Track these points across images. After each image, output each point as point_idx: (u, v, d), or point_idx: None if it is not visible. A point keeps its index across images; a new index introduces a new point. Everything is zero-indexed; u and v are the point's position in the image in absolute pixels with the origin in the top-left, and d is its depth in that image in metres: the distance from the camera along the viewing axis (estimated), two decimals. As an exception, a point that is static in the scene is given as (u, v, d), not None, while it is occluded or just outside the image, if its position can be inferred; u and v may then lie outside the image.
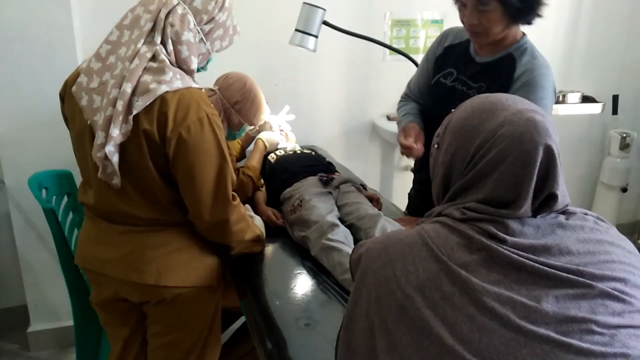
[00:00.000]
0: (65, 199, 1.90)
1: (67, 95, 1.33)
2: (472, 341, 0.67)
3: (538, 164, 0.75)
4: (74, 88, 1.28)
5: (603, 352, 0.65)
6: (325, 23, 1.96)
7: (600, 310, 0.69)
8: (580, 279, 0.71)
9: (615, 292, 0.71)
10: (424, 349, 0.69)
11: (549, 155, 0.76)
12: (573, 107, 2.89)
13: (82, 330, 1.79)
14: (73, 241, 1.81)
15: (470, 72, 1.57)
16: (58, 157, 2.04)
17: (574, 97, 2.94)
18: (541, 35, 2.98)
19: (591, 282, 0.71)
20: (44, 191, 1.76)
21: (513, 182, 0.76)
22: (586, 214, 0.83)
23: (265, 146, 1.90)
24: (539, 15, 1.44)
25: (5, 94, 2.03)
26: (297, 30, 1.96)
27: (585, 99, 2.98)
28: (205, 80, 1.85)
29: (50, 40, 2.02)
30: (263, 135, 1.92)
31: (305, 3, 1.94)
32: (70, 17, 2.03)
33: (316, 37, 1.96)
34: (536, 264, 0.72)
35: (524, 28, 1.52)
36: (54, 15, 2.00)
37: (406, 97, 1.86)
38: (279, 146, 2.03)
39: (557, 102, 2.96)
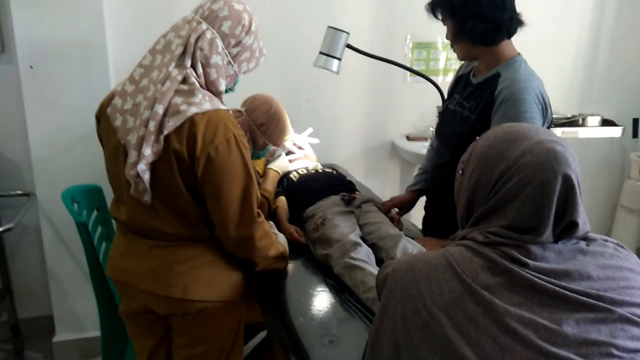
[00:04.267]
0: (95, 212, 1.96)
1: (102, 117, 1.40)
2: (495, 360, 0.70)
3: (557, 192, 0.79)
4: (109, 109, 1.35)
5: (622, 375, 0.68)
6: (348, 46, 2.02)
7: (620, 334, 0.72)
8: (600, 303, 0.74)
9: (635, 317, 0.74)
10: (448, 367, 0.73)
11: (569, 185, 0.79)
12: (593, 131, 2.90)
13: (108, 340, 1.84)
14: (101, 254, 1.87)
15: (466, 93, 1.64)
16: (88, 173, 2.11)
17: (593, 121, 2.95)
18: (561, 58, 3.02)
19: (611, 307, 0.74)
20: (75, 205, 1.83)
21: (534, 209, 0.80)
22: (606, 241, 0.86)
23: (278, 173, 1.97)
24: (499, 35, 1.50)
25: (39, 111, 2.11)
26: (321, 52, 2.02)
27: (605, 122, 2.99)
28: (232, 101, 1.93)
29: (84, 59, 2.10)
30: (273, 166, 2.00)
31: (329, 27, 2.00)
32: (105, 37, 2.12)
33: (339, 59, 2.02)
34: (557, 288, 0.75)
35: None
36: (89, 36, 2.09)
37: (430, 148, 1.99)
38: (302, 165, 2.08)
39: (577, 125, 2.97)
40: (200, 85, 1.29)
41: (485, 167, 0.87)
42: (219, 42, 1.31)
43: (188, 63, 1.28)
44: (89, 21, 2.07)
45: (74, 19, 2.05)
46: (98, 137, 1.48)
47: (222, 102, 1.33)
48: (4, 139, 2.29)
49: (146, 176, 1.25)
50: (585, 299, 0.74)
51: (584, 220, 0.82)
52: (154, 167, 1.27)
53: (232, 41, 1.34)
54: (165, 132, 1.23)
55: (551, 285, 0.75)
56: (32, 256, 2.46)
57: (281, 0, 2.51)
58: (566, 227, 0.81)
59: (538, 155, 0.81)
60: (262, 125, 1.84)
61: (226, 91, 1.41)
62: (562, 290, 0.75)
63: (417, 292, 0.80)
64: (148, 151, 1.23)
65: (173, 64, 1.27)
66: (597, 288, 0.76)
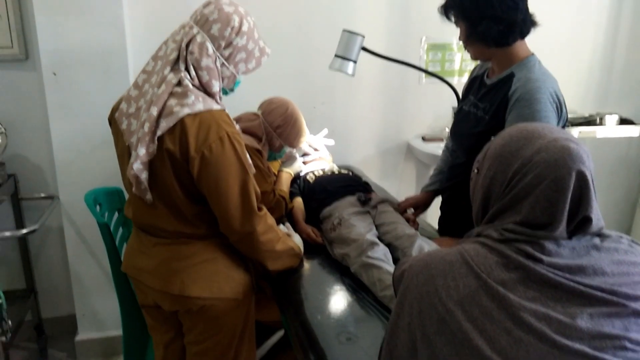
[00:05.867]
0: (116, 214, 2.01)
1: (112, 121, 1.45)
2: (510, 354, 0.72)
3: (571, 189, 0.80)
4: (116, 114, 1.41)
5: (636, 367, 0.69)
6: (363, 49, 2.04)
7: (634, 328, 0.73)
8: (614, 298, 0.75)
9: (648, 312, 0.75)
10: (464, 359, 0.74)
11: (582, 181, 0.81)
12: (610, 130, 2.87)
13: (129, 338, 1.88)
14: (122, 254, 1.91)
15: (480, 94, 1.65)
16: (109, 176, 2.15)
17: (611, 120, 2.92)
18: (578, 57, 3.00)
19: (625, 302, 0.75)
20: (97, 207, 1.87)
21: (548, 205, 0.81)
22: (621, 237, 0.87)
23: (290, 174, 2.01)
24: (512, 36, 1.50)
25: (62, 116, 2.17)
26: (336, 55, 2.04)
27: (623, 122, 2.96)
28: (249, 105, 1.96)
29: (105, 65, 2.15)
30: (285, 167, 2.03)
31: (345, 30, 2.02)
32: (125, 43, 2.17)
33: (355, 62, 2.04)
34: (572, 283, 0.76)
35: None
36: (110, 43, 2.14)
37: (445, 148, 1.99)
38: (318, 166, 2.11)
39: (595, 124, 2.95)
40: (196, 87, 1.33)
41: (501, 165, 0.88)
42: (209, 45, 1.33)
43: (182, 67, 1.32)
44: (109, 28, 2.12)
45: (96, 26, 2.10)
46: (113, 140, 1.53)
47: (217, 103, 1.36)
48: (29, 144, 2.35)
49: (143, 175, 1.30)
50: (599, 293, 0.76)
51: (598, 216, 0.83)
52: (152, 166, 1.31)
53: (222, 43, 1.36)
54: (159, 132, 1.27)
55: (565, 280, 0.77)
56: (55, 257, 2.52)
57: (297, 4, 2.54)
58: (580, 223, 0.82)
59: (552, 152, 0.82)
60: (279, 128, 1.87)
61: (225, 92, 1.45)
62: (576, 285, 0.76)
63: (433, 287, 0.82)
64: (143, 151, 1.28)
65: (168, 68, 1.32)
66: (611, 283, 0.77)
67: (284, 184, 1.95)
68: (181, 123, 1.28)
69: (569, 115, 2.99)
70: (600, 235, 0.85)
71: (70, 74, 2.13)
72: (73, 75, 2.14)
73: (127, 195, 1.53)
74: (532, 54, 1.56)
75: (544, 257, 0.79)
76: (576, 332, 0.72)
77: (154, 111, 1.27)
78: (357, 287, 1.48)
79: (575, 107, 3.05)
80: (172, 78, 1.30)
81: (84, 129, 2.20)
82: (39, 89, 2.21)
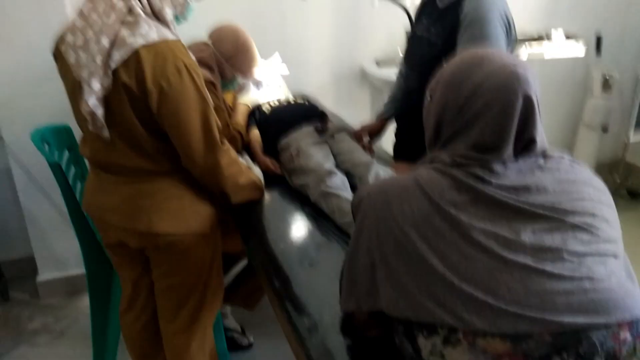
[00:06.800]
0: (67, 153, 1.95)
1: (58, 54, 1.36)
2: (460, 269, 0.78)
3: (518, 112, 0.84)
4: (62, 47, 1.31)
5: (572, 276, 0.77)
6: (314, -30, 1.97)
7: (571, 241, 0.80)
8: (555, 214, 0.82)
9: (585, 226, 0.82)
10: (419, 277, 0.81)
11: (529, 105, 0.85)
12: (558, 51, 2.93)
13: (93, 275, 1.89)
14: (78, 193, 1.88)
15: (432, 18, 1.65)
16: (55, 112, 2.06)
17: (557, 35, 2.97)
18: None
19: (564, 218, 0.82)
20: (46, 146, 1.81)
21: (497, 129, 0.85)
22: (562, 157, 0.92)
23: (248, 106, 1.98)
24: None
25: (-4, 50, 2.04)
26: (286, -22, 1.97)
27: (569, 37, 3.01)
28: (199, 33, 1.88)
29: (37, -8, 2.01)
30: (242, 99, 1.99)
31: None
32: (57, -32, 2.01)
33: (306, -15, 1.97)
34: (517, 203, 0.83)
35: None
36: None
37: (398, 74, 1.96)
38: (273, 96, 2.08)
39: (540, 39, 2.98)
40: (147, 15, 1.26)
41: (452, 92, 0.91)
42: None
43: None
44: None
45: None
46: (60, 75, 1.45)
47: (172, 32, 1.30)
48: (-38, 81, 2.21)
49: (99, 111, 1.25)
50: (541, 210, 0.82)
51: (542, 138, 0.89)
52: (107, 102, 1.26)
53: None
54: (113, 65, 1.21)
55: (512, 201, 0.83)
56: (5, 199, 2.45)
57: None
58: (526, 144, 0.87)
59: (501, 78, 0.85)
60: (230, 57, 1.81)
61: (178, 20, 1.38)
62: (521, 204, 0.82)
63: (389, 212, 0.86)
64: (97, 86, 1.22)
65: None
66: (552, 201, 0.83)
67: (241, 116, 1.93)
68: (136, 55, 1.22)
69: (519, 37, 3.02)
70: (544, 155, 0.90)
71: (1, 4, 1.97)
72: (3, 5, 1.98)
73: (76, 132, 1.47)
74: None
75: (492, 180, 0.84)
76: (520, 247, 0.79)
77: (105, 42, 1.20)
78: (317, 215, 1.53)
79: (524, 24, 3.08)
80: (122, 6, 1.23)
81: (22, 63, 2.08)
82: (-33, 22, 2.04)
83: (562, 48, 2.95)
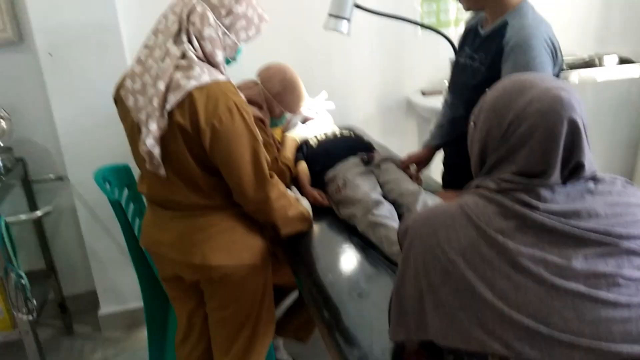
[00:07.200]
0: (126, 190, 2.05)
1: (118, 98, 1.46)
2: (510, 297, 0.76)
3: (564, 137, 0.83)
4: (122, 91, 1.41)
5: (629, 303, 0.74)
6: (356, 6, 2.02)
7: (626, 265, 0.77)
8: (608, 238, 0.79)
9: (640, 249, 0.79)
10: (467, 306, 0.79)
11: (574, 129, 0.83)
12: (611, 72, 2.85)
13: (150, 308, 1.96)
14: (136, 228, 1.96)
15: (475, 45, 1.65)
16: (115, 153, 2.18)
17: (610, 60, 2.89)
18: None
19: (617, 241, 0.79)
20: (107, 184, 1.91)
21: (542, 154, 0.84)
22: (615, 179, 0.90)
23: (296, 140, 2.03)
24: None
25: (62, 96, 2.19)
26: (330, 15, 2.03)
27: (623, 62, 2.93)
28: (247, 72, 1.96)
29: (100, 42, 2.16)
30: (291, 133, 2.05)
31: (336, -11, 2.00)
32: (117, 18, 2.16)
33: (348, 20, 2.03)
34: (566, 226, 0.80)
35: None
36: (102, 17, 2.13)
37: (444, 102, 1.98)
38: (320, 130, 2.13)
39: (594, 66, 2.92)
40: (199, 59, 1.33)
41: (496, 118, 0.91)
42: (209, 14, 1.33)
43: (184, 38, 1.32)
44: (100, 4, 2.12)
45: (86, 2, 2.09)
46: (120, 118, 1.55)
47: (222, 73, 1.37)
48: (34, 126, 2.38)
49: (156, 150, 1.32)
50: (593, 235, 0.79)
51: (590, 162, 0.86)
52: (163, 141, 1.33)
53: (223, 11, 1.36)
54: (168, 107, 1.29)
55: (560, 224, 0.80)
56: (70, 236, 2.59)
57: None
58: (573, 169, 0.85)
59: (544, 102, 0.84)
60: (278, 94, 1.88)
61: (228, 62, 1.45)
62: (570, 228, 0.80)
63: (436, 239, 0.85)
64: (154, 126, 1.29)
65: (171, 41, 1.32)
66: (604, 224, 0.81)
67: (289, 151, 1.97)
68: (189, 96, 1.29)
69: (569, 59, 2.97)
70: (594, 179, 0.88)
71: (66, 54, 2.14)
72: (69, 55, 2.14)
73: (135, 172, 1.56)
74: (525, 0, 1.54)
75: (539, 204, 0.82)
76: (572, 273, 0.76)
77: (161, 85, 1.28)
78: (366, 245, 1.53)
79: (574, 48, 3.02)
80: (175, 51, 1.31)
81: (86, 108, 2.22)
82: (37, 71, 2.21)
83: (616, 71, 2.86)
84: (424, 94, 2.84)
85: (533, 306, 0.75)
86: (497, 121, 0.90)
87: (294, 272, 1.62)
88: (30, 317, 2.01)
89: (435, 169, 2.12)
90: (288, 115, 1.98)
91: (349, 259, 1.50)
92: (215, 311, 1.57)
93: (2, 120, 2.26)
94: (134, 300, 2.49)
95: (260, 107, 1.85)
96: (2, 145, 2.26)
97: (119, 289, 2.51)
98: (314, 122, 2.24)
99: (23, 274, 1.99)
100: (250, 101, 1.83)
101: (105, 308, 2.54)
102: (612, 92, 3.13)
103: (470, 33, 1.72)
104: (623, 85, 3.14)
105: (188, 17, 1.32)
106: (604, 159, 2.99)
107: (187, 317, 1.65)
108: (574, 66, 2.85)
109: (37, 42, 2.11)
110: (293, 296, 2.06)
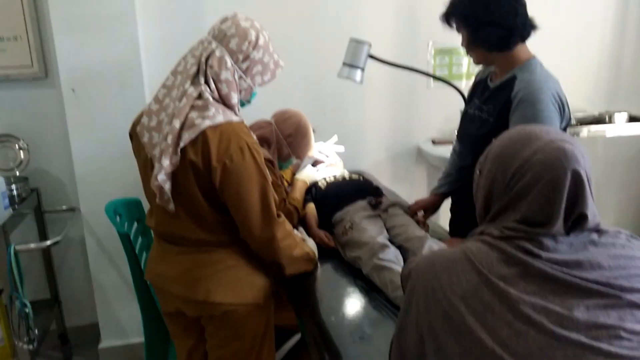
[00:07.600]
0: (135, 224, 2.08)
1: (134, 134, 1.51)
2: (511, 345, 0.76)
3: (567, 188, 0.84)
4: (138, 128, 1.47)
5: (631, 355, 0.73)
6: (371, 56, 2.09)
7: (628, 318, 0.77)
8: (610, 290, 0.79)
9: (643, 303, 0.78)
10: (467, 351, 0.79)
11: (578, 180, 0.85)
12: (620, 128, 2.88)
13: (151, 344, 1.94)
14: (143, 263, 1.98)
15: (484, 97, 1.69)
16: (127, 187, 2.23)
17: (620, 118, 2.93)
18: (585, 55, 3.02)
19: (620, 294, 0.79)
20: (117, 217, 1.94)
21: (545, 204, 0.85)
22: (619, 232, 0.90)
23: (305, 183, 2.06)
24: (512, 40, 1.55)
25: (81, 131, 2.25)
26: (344, 64, 2.10)
27: (633, 119, 2.96)
28: (261, 114, 2.02)
29: (122, 81, 2.24)
30: (300, 175, 2.09)
31: (352, 39, 2.07)
32: (140, 59, 2.25)
33: (362, 69, 2.09)
34: (569, 276, 0.81)
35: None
36: (126, 58, 2.22)
37: (452, 151, 2.03)
38: (329, 173, 2.16)
39: (604, 122, 2.96)
40: (215, 100, 1.38)
41: (501, 166, 0.93)
42: (227, 58, 1.39)
43: (202, 80, 1.37)
44: (125, 46, 2.21)
45: (112, 44, 2.19)
46: (133, 153, 1.59)
47: (236, 114, 1.42)
48: (50, 158, 2.45)
49: (167, 186, 1.35)
50: (595, 286, 0.80)
51: (594, 213, 0.87)
52: (174, 177, 1.36)
53: (241, 57, 1.41)
54: (182, 144, 1.32)
55: (563, 274, 0.81)
56: (77, 267, 2.61)
57: (307, 16, 2.60)
58: (577, 220, 0.86)
59: (549, 153, 0.86)
60: (290, 136, 1.93)
61: (242, 104, 1.50)
62: (573, 278, 0.80)
63: (438, 284, 0.86)
64: (166, 162, 1.33)
65: (189, 82, 1.37)
66: (607, 276, 0.81)
67: (298, 192, 2.00)
68: (203, 135, 1.33)
69: (579, 115, 3.01)
70: (598, 230, 0.88)
71: (88, 90, 2.22)
72: (91, 92, 2.22)
73: (145, 206, 1.59)
74: (534, 57, 1.59)
75: (542, 253, 0.83)
76: (573, 323, 0.76)
77: (177, 124, 1.32)
78: (370, 289, 1.53)
79: (584, 105, 3.06)
80: (192, 91, 1.36)
81: (103, 143, 2.28)
82: (59, 106, 2.30)
83: (625, 127, 2.89)
84: (434, 142, 2.88)
85: (533, 355, 0.75)
86: (502, 170, 0.92)
87: (296, 312, 1.61)
88: (31, 347, 2.01)
89: (443, 217, 2.13)
90: (294, 160, 2.02)
91: (352, 302, 1.49)
92: (215, 349, 1.56)
93: (21, 151, 2.32)
94: (135, 335, 2.48)
95: (269, 146, 1.90)
96: (18, 174, 2.32)
97: (121, 322, 2.50)
98: (324, 165, 2.28)
99: (27, 303, 1.99)
100: (261, 139, 1.88)
101: (106, 341, 2.52)
102: (621, 148, 3.15)
103: (480, 85, 1.76)
104: (633, 142, 3.17)
105: (207, 60, 1.38)
106: (614, 213, 2.98)
107: (187, 354, 1.64)
108: (585, 122, 2.89)
109: (62, 78, 2.19)
110: (295, 339, 2.03)
